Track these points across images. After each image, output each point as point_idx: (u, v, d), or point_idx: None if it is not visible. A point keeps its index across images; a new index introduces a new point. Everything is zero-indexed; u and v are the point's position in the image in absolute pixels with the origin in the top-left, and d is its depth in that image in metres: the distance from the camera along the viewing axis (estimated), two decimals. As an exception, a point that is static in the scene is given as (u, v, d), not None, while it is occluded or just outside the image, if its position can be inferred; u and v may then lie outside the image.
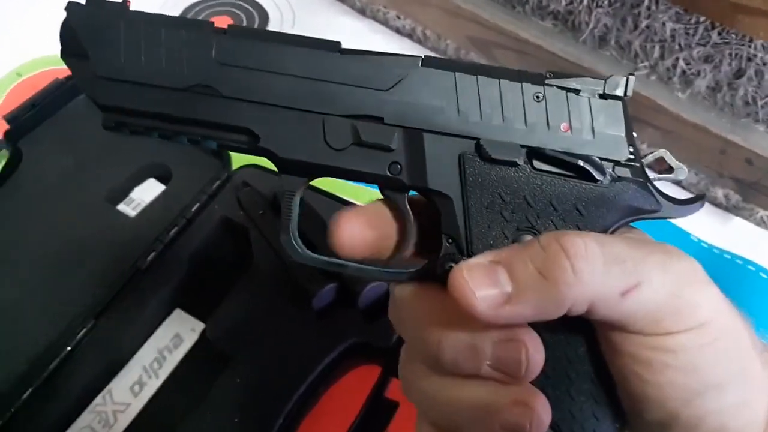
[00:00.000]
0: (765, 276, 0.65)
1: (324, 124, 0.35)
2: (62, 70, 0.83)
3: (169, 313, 0.66)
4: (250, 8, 0.91)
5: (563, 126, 0.35)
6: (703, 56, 0.64)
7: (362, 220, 0.36)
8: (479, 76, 0.35)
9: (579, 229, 0.34)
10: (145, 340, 0.64)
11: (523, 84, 0.35)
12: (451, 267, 0.33)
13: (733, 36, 0.61)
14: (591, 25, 0.70)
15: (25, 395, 0.59)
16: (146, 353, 0.64)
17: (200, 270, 0.67)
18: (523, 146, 0.34)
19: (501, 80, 0.35)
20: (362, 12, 0.91)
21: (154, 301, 0.65)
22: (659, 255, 0.31)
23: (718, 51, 0.63)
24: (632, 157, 0.35)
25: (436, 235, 0.35)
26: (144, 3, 0.89)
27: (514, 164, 0.34)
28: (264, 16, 0.91)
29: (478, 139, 0.35)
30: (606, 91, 0.35)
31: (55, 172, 0.74)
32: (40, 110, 0.77)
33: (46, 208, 0.71)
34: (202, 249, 0.68)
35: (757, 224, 0.70)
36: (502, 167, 0.34)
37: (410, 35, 0.88)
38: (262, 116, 0.35)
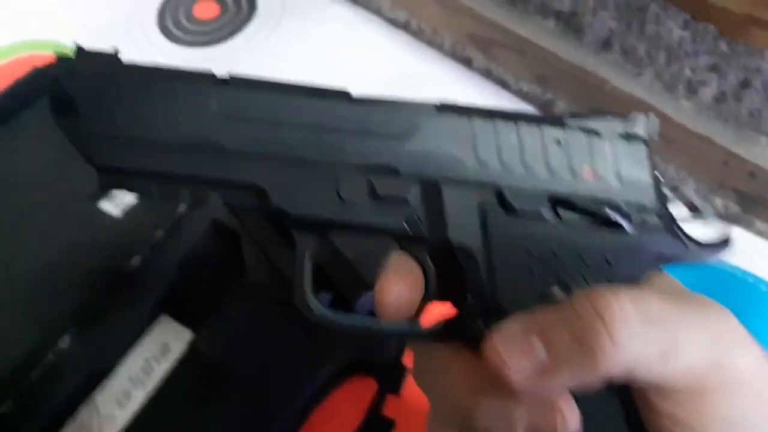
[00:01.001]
0: (765, 289, 0.65)
1: (337, 177, 0.33)
2: (41, 56, 0.80)
3: (156, 320, 0.63)
4: (238, -5, 0.88)
5: (586, 171, 0.33)
6: (710, 65, 0.63)
7: (403, 281, 0.34)
8: (497, 122, 0.33)
9: (608, 280, 0.32)
10: (131, 349, 0.62)
11: (543, 128, 0.33)
12: (479, 326, 0.31)
13: (742, 47, 0.59)
14: (595, 28, 0.68)
15: (5, 406, 0.56)
16: (133, 362, 0.61)
17: (189, 276, 0.64)
18: (546, 194, 0.33)
19: (520, 125, 0.33)
20: (354, 1, 0.88)
21: (140, 307, 0.63)
22: (697, 312, 0.30)
23: (725, 61, 0.61)
24: (658, 201, 0.33)
25: (458, 284, 0.34)
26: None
27: (539, 215, 0.33)
28: (252, 2, 0.87)
29: (499, 189, 0.33)
30: (628, 132, 0.33)
31: (34, 167, 0.71)
32: (17, 100, 0.73)
33: (25, 206, 0.68)
34: (192, 253, 0.65)
35: (756, 235, 0.69)
36: (526, 218, 0.33)
37: (405, 27, 0.85)
38: (271, 171, 0.33)
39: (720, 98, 0.64)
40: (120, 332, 0.62)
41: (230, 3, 0.87)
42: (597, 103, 0.71)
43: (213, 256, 0.66)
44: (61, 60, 0.34)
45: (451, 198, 0.33)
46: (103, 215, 0.68)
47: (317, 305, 0.36)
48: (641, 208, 0.33)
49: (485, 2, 0.74)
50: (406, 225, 0.34)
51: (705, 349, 0.29)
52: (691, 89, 0.65)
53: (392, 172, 0.33)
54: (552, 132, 0.33)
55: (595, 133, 0.33)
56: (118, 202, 0.70)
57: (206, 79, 0.34)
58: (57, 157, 0.72)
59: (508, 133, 0.33)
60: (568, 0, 0.68)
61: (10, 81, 0.74)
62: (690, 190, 0.36)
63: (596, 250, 0.32)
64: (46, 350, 0.59)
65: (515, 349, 0.29)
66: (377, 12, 0.87)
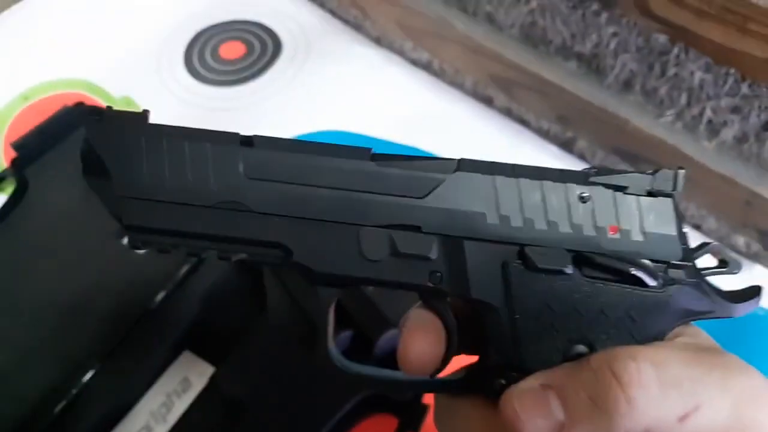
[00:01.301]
0: (789, 332, 0.64)
1: (359, 235, 0.34)
2: (70, 94, 0.82)
3: (177, 355, 0.64)
4: (263, 35, 0.90)
5: (611, 228, 0.33)
6: (732, 107, 0.63)
7: (425, 338, 0.34)
8: (520, 179, 0.34)
9: (632, 337, 0.32)
10: (152, 384, 0.62)
11: (567, 185, 0.33)
12: (501, 384, 0.32)
13: (764, 89, 0.59)
14: (616, 70, 0.69)
15: (29, 441, 0.57)
16: (153, 398, 0.62)
17: (211, 311, 0.65)
18: (570, 251, 0.33)
19: (543, 182, 0.33)
20: (377, 41, 0.90)
21: (162, 342, 0.63)
22: (719, 372, 0.29)
23: (747, 103, 0.62)
24: (685, 256, 0.33)
25: (480, 338, 0.34)
26: (152, 29, 0.88)
27: (562, 272, 0.33)
28: (277, 43, 0.89)
29: (522, 246, 0.33)
30: (654, 188, 0.33)
31: (61, 203, 0.72)
32: (47, 138, 0.75)
33: (52, 242, 0.69)
34: (214, 289, 0.66)
35: (779, 274, 0.69)
36: (548, 275, 0.33)
37: (426, 68, 0.86)
38: (295, 230, 0.34)
39: (742, 139, 0.64)
40: (142, 368, 0.62)
41: (256, 43, 0.89)
42: (618, 143, 0.71)
43: (235, 292, 0.66)
44: (91, 122, 0.35)
45: (473, 255, 0.33)
46: (128, 252, 0.69)
47: (341, 358, 0.36)
48: (667, 264, 0.33)
49: (507, 44, 0.75)
50: (429, 282, 0.34)
51: (727, 410, 0.29)
52: (713, 130, 0.66)
53: (414, 229, 0.34)
54: (576, 189, 0.33)
55: (621, 188, 0.33)
56: (143, 238, 0.71)
57: (232, 140, 0.35)
58: (83, 195, 0.73)
59: (531, 189, 0.33)
60: (590, 43, 0.69)
61: (41, 119, 0.76)
62: (721, 247, 0.35)
63: (620, 307, 0.32)
64: (70, 385, 0.60)
65: (531, 406, 0.29)
66: (400, 53, 0.88)
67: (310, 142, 0.35)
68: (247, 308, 0.65)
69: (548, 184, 0.33)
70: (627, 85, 0.69)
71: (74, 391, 0.60)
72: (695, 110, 0.66)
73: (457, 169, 0.34)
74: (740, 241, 0.70)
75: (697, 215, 0.71)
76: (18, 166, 0.73)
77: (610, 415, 0.28)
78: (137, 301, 0.64)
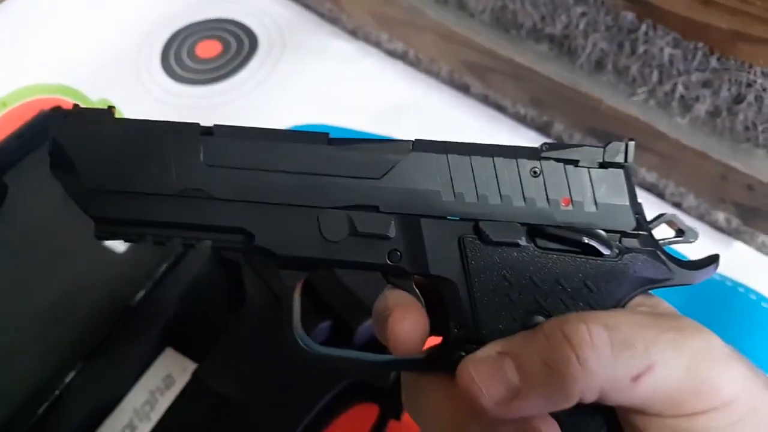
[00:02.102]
0: (766, 306, 0.64)
1: (318, 217, 0.35)
2: (48, 99, 0.82)
3: (160, 352, 0.64)
4: (239, 32, 0.90)
5: (563, 200, 0.33)
6: (702, 81, 0.63)
7: (412, 316, 0.34)
8: (472, 156, 0.34)
9: (590, 306, 0.32)
10: (135, 382, 0.62)
11: (519, 160, 0.34)
12: (461, 357, 0.32)
13: (733, 62, 0.59)
14: (587, 50, 0.69)
15: (13, 442, 0.57)
16: (137, 395, 0.62)
17: (191, 307, 0.65)
18: (523, 225, 0.33)
19: (495, 158, 0.34)
20: (353, 34, 0.90)
21: (144, 340, 0.63)
22: (673, 333, 0.29)
23: (717, 76, 0.62)
24: (639, 225, 0.33)
25: (442, 315, 0.34)
26: (128, 31, 0.89)
27: (516, 245, 0.33)
28: (253, 40, 0.89)
29: (476, 221, 0.34)
30: (606, 159, 0.33)
31: (41, 206, 0.72)
32: (25, 142, 0.75)
33: (33, 245, 0.70)
34: (194, 285, 0.66)
35: (758, 249, 0.69)
36: (504, 248, 0.33)
37: (402, 58, 0.86)
38: (256, 215, 0.35)
39: (714, 113, 0.64)
40: (125, 366, 0.63)
41: (232, 41, 0.89)
42: (593, 124, 0.71)
43: (214, 287, 0.67)
44: (58, 119, 0.36)
45: (430, 232, 0.34)
46: (107, 252, 0.69)
47: (307, 340, 0.37)
48: (621, 233, 0.33)
49: (479, 30, 0.75)
50: (388, 260, 0.35)
51: (681, 370, 0.29)
52: (685, 106, 0.66)
53: (372, 209, 0.35)
54: (528, 164, 0.34)
55: (572, 162, 0.34)
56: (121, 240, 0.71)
57: (192, 130, 0.36)
58: (63, 198, 0.73)
59: (484, 166, 0.34)
60: (560, 24, 0.69)
61: (18, 124, 0.76)
62: (676, 216, 0.35)
63: (576, 276, 0.33)
64: (53, 386, 0.60)
65: (487, 373, 0.30)
66: (376, 44, 0.88)
67: (269, 129, 0.36)
68: (227, 303, 0.65)
69: (500, 160, 0.34)
70: (599, 65, 0.69)
71: (57, 392, 0.60)
72: (667, 87, 0.66)
73: (412, 150, 0.35)
74: (720, 217, 0.70)
75: (677, 193, 0.71)
76: (-3, 171, 0.74)
77: (563, 378, 0.28)
78: (118, 300, 0.64)
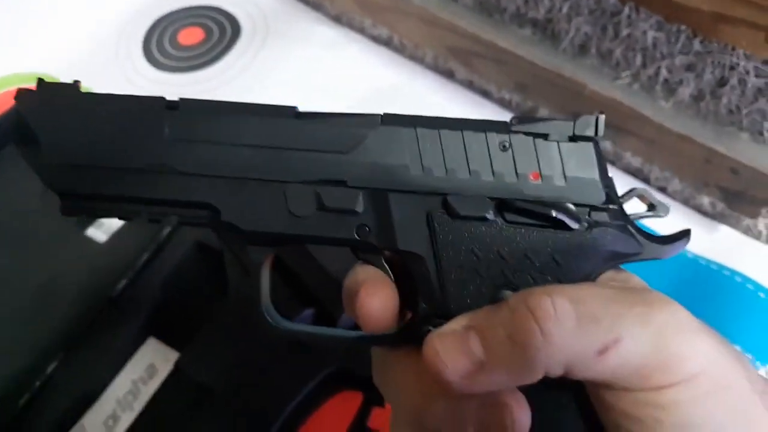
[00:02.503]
0: (752, 288, 0.64)
1: (285, 192, 0.34)
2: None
3: (142, 342, 0.64)
4: (222, 19, 0.89)
5: (533, 174, 0.33)
6: (686, 65, 0.63)
7: (383, 291, 0.34)
8: (441, 130, 0.34)
9: (558, 280, 0.32)
10: (118, 372, 0.62)
11: (488, 134, 0.34)
12: (429, 331, 0.31)
13: (716, 45, 0.59)
14: (571, 34, 0.68)
15: (-6, 433, 0.57)
16: (120, 385, 0.62)
17: (173, 296, 0.65)
18: (492, 199, 0.33)
19: (464, 132, 0.34)
20: (337, 20, 0.89)
21: (126, 330, 0.63)
22: (640, 307, 0.29)
23: (700, 60, 0.61)
24: (608, 199, 0.33)
25: (411, 290, 0.34)
26: (109, 19, 0.87)
27: (484, 219, 0.33)
28: (236, 27, 0.88)
29: (445, 196, 0.33)
30: (576, 133, 0.33)
31: (22, 197, 0.71)
32: (4, 133, 0.74)
33: (14, 235, 0.69)
34: (175, 275, 0.65)
35: (744, 232, 0.69)
36: (472, 222, 0.33)
37: (387, 44, 0.86)
38: (222, 190, 0.34)
39: (698, 97, 0.64)
40: (107, 356, 0.62)
41: (214, 28, 0.88)
42: (577, 108, 0.71)
43: (196, 275, 0.66)
44: (22, 93, 0.36)
45: (398, 207, 0.34)
46: (89, 242, 0.69)
47: (275, 316, 0.36)
48: (590, 207, 0.33)
49: (462, 14, 0.75)
50: (356, 235, 0.34)
51: (648, 343, 0.28)
52: (669, 89, 0.65)
53: (340, 184, 0.34)
54: (497, 137, 0.34)
55: (542, 135, 0.33)
56: (105, 229, 0.70)
57: (158, 103, 0.35)
58: (43, 188, 0.73)
59: (452, 140, 0.34)
60: (543, 8, 0.69)
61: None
62: (647, 190, 0.35)
63: (544, 250, 0.33)
64: (34, 376, 0.59)
65: (452, 348, 0.29)
66: (360, 30, 0.88)
67: (235, 102, 0.35)
68: (209, 291, 0.65)
69: (469, 134, 0.34)
70: (582, 49, 0.69)
71: (38, 383, 0.59)
72: (651, 70, 0.65)
73: (381, 123, 0.34)
74: (705, 201, 0.69)
75: (662, 177, 0.71)
76: (-24, 161, 0.73)
77: (526, 351, 0.28)
78: (99, 290, 0.64)
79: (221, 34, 0.87)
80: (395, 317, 0.35)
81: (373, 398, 0.58)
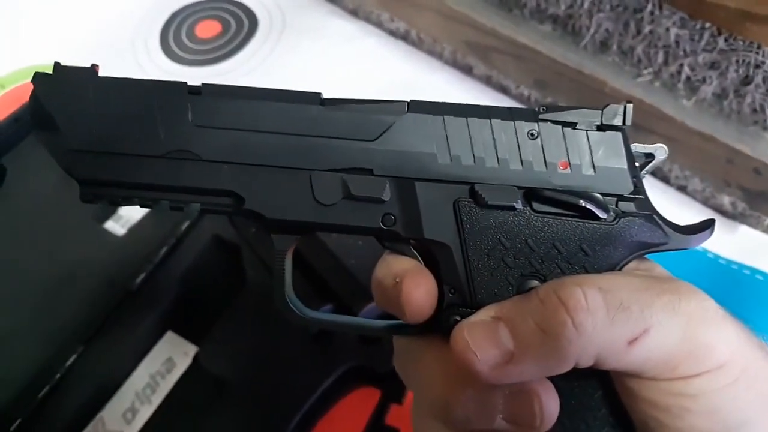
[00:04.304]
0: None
1: (311, 180, 0.34)
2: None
3: (160, 336, 0.64)
4: (238, 12, 0.89)
5: (561, 163, 0.33)
6: (709, 62, 0.62)
7: (426, 279, 0.34)
8: (469, 118, 0.33)
9: (585, 270, 0.32)
10: (136, 365, 0.62)
11: (516, 122, 0.33)
12: (455, 320, 0.32)
13: (741, 43, 0.58)
14: (592, 30, 0.68)
15: (14, 425, 0.57)
16: (138, 378, 0.62)
17: (192, 291, 0.65)
18: (520, 188, 0.33)
19: (492, 120, 0.33)
20: (354, 14, 0.89)
21: (145, 324, 0.63)
22: (668, 296, 0.29)
23: (724, 57, 0.61)
24: (636, 189, 0.33)
25: (437, 279, 0.34)
26: (126, 12, 0.87)
27: (512, 208, 0.33)
28: (253, 20, 0.88)
29: (472, 184, 0.33)
30: (604, 122, 0.33)
31: (41, 189, 0.72)
32: (23, 125, 0.74)
33: (33, 228, 0.69)
34: (193, 269, 0.65)
35: (764, 232, 0.68)
36: (500, 212, 0.33)
37: (404, 38, 0.85)
38: (246, 177, 0.34)
39: (721, 95, 0.63)
40: (126, 349, 0.62)
41: (231, 21, 0.88)
42: (597, 105, 0.70)
43: (214, 270, 0.66)
44: (40, 76, 0.35)
45: (425, 195, 0.33)
46: (108, 235, 0.69)
47: (299, 305, 0.36)
48: (618, 197, 0.33)
49: (481, 9, 0.74)
50: (382, 224, 0.34)
51: (678, 334, 0.28)
52: (692, 88, 0.65)
53: (366, 172, 0.34)
54: (525, 126, 0.33)
55: (570, 124, 0.33)
56: (123, 222, 0.71)
57: (180, 88, 0.34)
58: (63, 180, 0.73)
59: (480, 128, 0.33)
60: (564, 3, 0.68)
61: (16, 105, 0.75)
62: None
63: (572, 240, 0.32)
64: (54, 369, 0.60)
65: (482, 338, 0.29)
66: (378, 24, 0.87)
67: (260, 88, 0.35)
68: (227, 286, 0.64)
69: (497, 122, 0.33)
70: (603, 46, 0.68)
71: (58, 375, 0.60)
72: (673, 68, 0.65)
73: (408, 111, 0.34)
74: (726, 200, 0.69)
75: (682, 176, 0.71)
76: (-5, 154, 0.73)
77: (558, 342, 0.28)
78: (118, 283, 0.64)
79: (238, 27, 0.87)
80: (434, 305, 0.34)
81: (392, 395, 0.58)
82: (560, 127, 0.33)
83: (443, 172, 0.33)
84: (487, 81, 0.80)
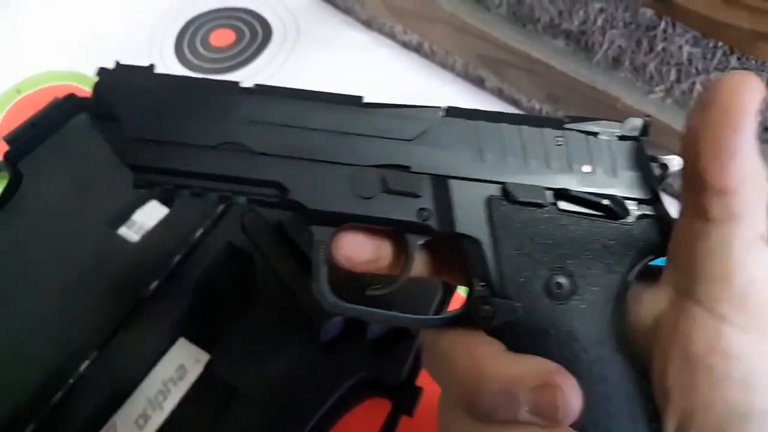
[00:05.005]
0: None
1: (352, 174, 0.36)
2: (61, 86, 0.82)
3: (173, 342, 0.64)
4: (253, 21, 0.90)
5: (585, 168, 0.35)
6: (721, 81, 0.62)
7: (364, 234, 0.37)
8: (502, 124, 0.36)
9: (607, 267, 0.34)
10: (149, 372, 0.63)
11: (544, 129, 0.36)
12: (486, 310, 0.34)
13: (753, 62, 0.59)
14: (605, 46, 0.68)
15: (28, 430, 0.58)
16: (150, 385, 0.62)
17: (204, 298, 0.65)
18: (547, 188, 0.35)
19: (522, 126, 0.36)
20: (368, 25, 0.89)
21: (157, 330, 0.64)
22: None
23: (736, 76, 0.61)
24: (654, 194, 0.35)
25: (466, 272, 0.36)
26: (141, 19, 0.88)
27: (541, 206, 0.35)
28: (267, 29, 0.89)
29: (504, 183, 0.35)
30: (624, 133, 0.35)
31: (55, 195, 0.72)
32: (39, 130, 0.75)
33: (48, 233, 0.70)
34: (206, 276, 0.66)
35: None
36: (529, 209, 0.35)
37: (417, 50, 0.86)
38: (291, 170, 0.36)
39: (732, 113, 0.64)
40: (139, 356, 0.63)
41: (246, 30, 0.89)
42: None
43: (227, 278, 0.67)
44: (102, 70, 0.38)
45: (458, 192, 0.36)
46: (122, 241, 0.69)
47: (331, 295, 0.38)
48: (638, 201, 0.35)
49: (495, 24, 0.75)
50: (417, 218, 0.36)
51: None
52: (703, 105, 0.65)
53: (404, 169, 0.36)
54: (553, 133, 0.36)
55: (593, 133, 0.35)
56: (137, 229, 0.71)
57: (234, 87, 0.37)
58: (77, 185, 0.74)
59: (512, 133, 0.36)
60: (577, 19, 0.69)
61: (33, 111, 0.76)
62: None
63: (595, 238, 0.34)
64: (68, 374, 0.60)
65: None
66: (390, 36, 0.88)
67: (306, 89, 0.37)
68: (240, 294, 0.65)
69: (526, 129, 0.35)
70: (616, 62, 0.69)
71: (71, 380, 0.60)
72: (685, 85, 0.65)
73: (445, 115, 0.36)
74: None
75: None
76: (11, 159, 0.74)
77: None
78: (131, 289, 0.65)
79: (252, 37, 0.88)
80: (365, 262, 0.37)
81: (402, 407, 0.59)
82: (584, 135, 0.35)
83: (476, 172, 0.35)
84: (499, 94, 0.80)
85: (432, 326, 0.37)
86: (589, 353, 0.33)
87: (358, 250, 0.37)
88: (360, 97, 0.37)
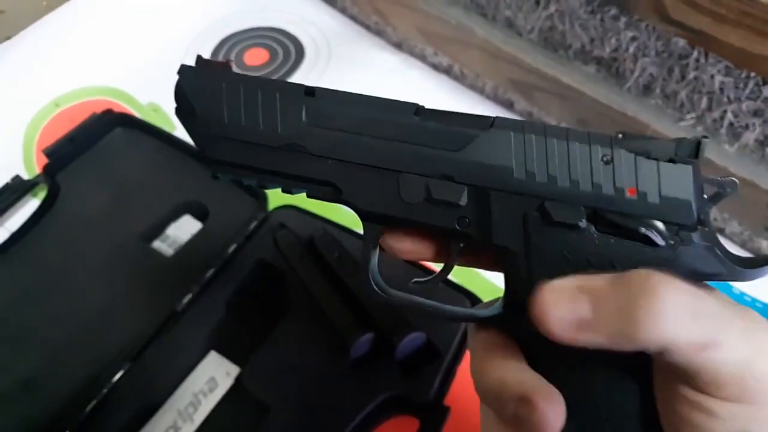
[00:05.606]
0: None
1: (399, 180, 0.37)
2: (99, 101, 0.84)
3: (204, 355, 0.65)
4: (286, 41, 0.91)
5: (629, 189, 0.34)
6: (753, 110, 0.63)
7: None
8: (548, 138, 0.35)
9: None
10: (180, 383, 0.64)
11: (592, 146, 0.35)
12: (517, 324, 0.35)
13: (786, 93, 0.59)
14: (636, 74, 0.69)
15: (61, 438, 0.59)
16: (181, 397, 0.63)
17: (236, 312, 0.67)
18: (586, 208, 0.35)
19: (570, 142, 0.35)
20: (398, 46, 0.91)
21: (189, 343, 0.65)
22: (746, 322, 0.30)
23: (768, 106, 0.62)
24: (700, 221, 0.34)
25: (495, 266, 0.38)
26: (177, 38, 0.90)
27: (576, 227, 0.35)
28: (300, 49, 0.90)
29: (542, 200, 0.35)
30: (677, 154, 0.34)
31: (91, 207, 0.74)
32: (77, 144, 0.77)
33: (83, 245, 0.71)
34: (238, 291, 0.67)
35: (802, 279, 0.68)
36: (564, 228, 0.35)
37: (447, 72, 0.87)
38: (345, 172, 0.38)
39: (764, 142, 0.64)
40: (170, 368, 0.64)
41: (279, 50, 0.90)
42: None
43: (259, 293, 0.68)
44: (184, 68, 0.40)
45: (498, 205, 0.36)
46: (156, 255, 0.71)
47: (382, 285, 0.39)
48: (680, 226, 0.34)
49: (526, 49, 0.76)
50: (457, 226, 0.37)
51: (742, 357, 0.29)
52: (734, 134, 0.66)
53: (448, 179, 0.37)
54: (600, 151, 0.35)
55: (644, 153, 0.34)
56: (170, 243, 0.73)
57: (298, 89, 0.39)
58: (112, 199, 0.76)
59: (558, 148, 0.35)
60: (609, 47, 0.70)
61: (71, 126, 0.78)
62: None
63: (629, 261, 0.34)
64: (101, 384, 0.62)
65: (563, 300, 0.31)
66: (421, 57, 0.89)
67: (364, 95, 0.39)
68: (271, 310, 0.66)
69: (574, 145, 0.35)
70: (647, 89, 0.70)
71: (104, 391, 0.61)
72: (716, 114, 0.66)
73: (492, 126, 0.37)
74: (764, 244, 0.70)
75: (720, 219, 0.71)
76: (50, 171, 0.76)
77: (635, 323, 0.29)
78: (165, 303, 0.66)
79: (285, 56, 0.89)
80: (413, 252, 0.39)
81: (430, 426, 0.59)
82: (633, 155, 0.34)
83: (517, 186, 0.36)
84: (528, 117, 0.81)
85: (480, 322, 0.38)
86: (606, 375, 0.34)
87: (402, 244, 0.39)
88: (415, 104, 0.38)
